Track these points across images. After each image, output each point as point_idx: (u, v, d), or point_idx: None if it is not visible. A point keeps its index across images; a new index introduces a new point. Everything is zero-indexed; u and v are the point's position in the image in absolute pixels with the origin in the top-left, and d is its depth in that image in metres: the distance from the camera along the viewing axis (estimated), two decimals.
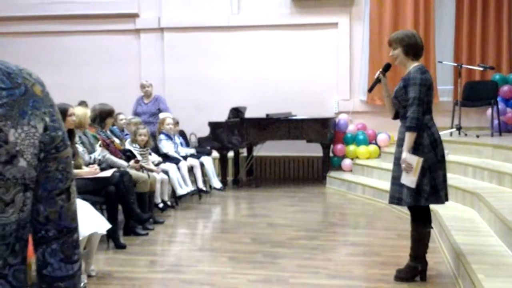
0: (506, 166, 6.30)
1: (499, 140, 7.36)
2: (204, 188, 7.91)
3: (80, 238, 4.18)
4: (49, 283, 1.28)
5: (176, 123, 8.12)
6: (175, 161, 7.49)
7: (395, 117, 4.41)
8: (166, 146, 7.69)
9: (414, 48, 4.20)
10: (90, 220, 4.42)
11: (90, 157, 5.73)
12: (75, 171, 5.06)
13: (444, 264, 4.69)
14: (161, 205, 6.95)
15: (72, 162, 4.24)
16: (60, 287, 1.28)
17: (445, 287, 4.18)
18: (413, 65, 4.21)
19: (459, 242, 4.57)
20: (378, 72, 4.38)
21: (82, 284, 4.19)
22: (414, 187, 4.08)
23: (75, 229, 1.31)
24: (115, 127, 7.32)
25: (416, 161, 4.04)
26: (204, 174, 8.04)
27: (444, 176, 4.21)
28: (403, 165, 4.09)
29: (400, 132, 4.28)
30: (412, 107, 4.07)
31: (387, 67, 4.41)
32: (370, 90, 4.66)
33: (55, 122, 1.24)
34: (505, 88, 8.50)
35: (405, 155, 4.08)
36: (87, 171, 5.41)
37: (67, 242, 1.28)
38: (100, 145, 5.96)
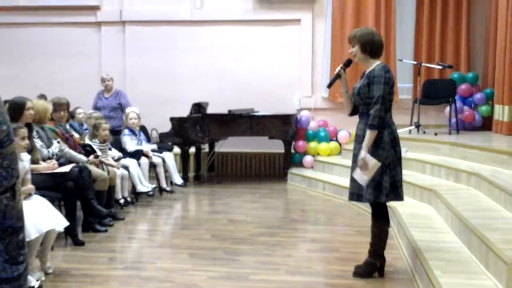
0: (462, 163, 6.43)
1: (457, 138, 7.50)
2: (167, 188, 7.81)
3: (37, 235, 4.11)
4: None
5: (138, 118, 8.02)
6: (137, 156, 7.39)
7: (352, 113, 4.44)
8: (127, 142, 7.58)
9: (370, 46, 4.22)
10: (48, 217, 4.34)
11: (49, 151, 5.62)
12: (33, 166, 4.96)
13: (401, 260, 4.77)
14: (122, 201, 6.87)
15: (29, 156, 4.12)
16: None
17: (402, 283, 4.25)
18: (375, 63, 4.23)
19: (416, 239, 4.65)
20: (339, 68, 4.39)
21: (38, 282, 4.11)
22: (364, 185, 4.13)
23: (20, 229, 1.23)
24: (73, 121, 7.19)
25: (373, 164, 4.07)
26: (165, 170, 7.97)
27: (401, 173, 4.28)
28: (359, 163, 4.12)
29: (359, 129, 4.29)
30: (377, 105, 4.08)
31: (348, 63, 4.41)
32: (329, 85, 4.69)
33: None
34: (463, 86, 8.66)
35: (364, 154, 4.10)
36: (45, 166, 5.31)
37: (12, 242, 1.20)
38: (58, 142, 5.84)
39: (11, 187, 1.20)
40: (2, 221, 1.19)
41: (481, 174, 5.58)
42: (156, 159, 7.71)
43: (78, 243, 5.30)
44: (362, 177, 4.13)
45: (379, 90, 4.09)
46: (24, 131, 4.44)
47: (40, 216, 4.24)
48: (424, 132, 8.01)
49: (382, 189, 4.15)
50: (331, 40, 9.38)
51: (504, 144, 6.69)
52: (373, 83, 4.13)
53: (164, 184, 7.76)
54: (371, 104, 4.12)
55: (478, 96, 8.60)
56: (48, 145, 5.68)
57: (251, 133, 8.74)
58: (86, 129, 7.30)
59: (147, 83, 9.75)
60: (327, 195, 7.75)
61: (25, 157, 4.52)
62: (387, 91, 4.12)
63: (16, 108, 5.04)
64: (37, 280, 4.10)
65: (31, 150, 5.04)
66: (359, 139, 4.26)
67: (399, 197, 4.25)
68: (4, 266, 1.20)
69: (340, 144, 9.00)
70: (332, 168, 8.34)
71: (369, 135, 4.11)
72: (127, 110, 7.99)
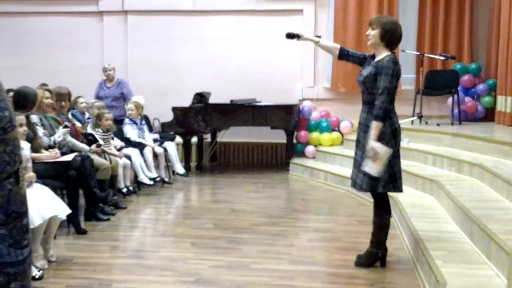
0: (464, 154, 6.42)
1: (459, 129, 7.50)
2: (166, 179, 7.79)
3: (41, 222, 4.12)
4: None
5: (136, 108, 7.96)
6: (140, 146, 7.39)
7: (340, 57, 4.47)
8: (128, 131, 7.59)
9: (391, 36, 4.17)
10: (50, 204, 4.35)
11: (50, 139, 5.61)
12: (35, 155, 4.96)
13: (403, 250, 4.78)
14: (124, 190, 6.87)
15: (29, 145, 4.12)
16: (10, 273, 1.21)
17: (404, 273, 4.26)
18: (385, 53, 4.18)
19: (418, 229, 4.65)
20: (315, 37, 4.56)
21: (40, 272, 4.11)
22: (377, 175, 4.06)
23: (24, 214, 1.23)
24: (75, 110, 7.19)
25: (384, 152, 3.99)
26: (167, 159, 7.97)
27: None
28: (370, 153, 4.02)
29: (362, 117, 4.27)
30: (382, 96, 4.05)
31: (290, 36, 4.51)
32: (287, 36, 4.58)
33: (1, 102, 1.16)
34: (465, 77, 8.64)
35: (373, 143, 4.00)
36: (47, 155, 5.31)
37: (16, 227, 1.21)
38: (64, 126, 5.82)
39: (15, 172, 1.20)
40: (6, 206, 1.19)
41: (484, 165, 5.58)
42: (158, 149, 7.70)
43: (80, 231, 5.31)
44: (374, 168, 4.01)
45: (387, 82, 4.06)
46: (21, 118, 4.44)
47: (43, 203, 4.25)
48: (427, 123, 8.00)
49: (379, 179, 4.14)
50: (333, 30, 9.35)
51: (507, 135, 6.68)
52: (381, 73, 4.08)
53: (163, 175, 7.75)
54: (376, 95, 4.10)
55: (480, 87, 8.58)
56: (51, 134, 5.68)
57: (253, 123, 8.74)
58: (88, 118, 7.30)
59: (149, 72, 9.73)
60: (329, 185, 7.76)
61: (25, 145, 4.52)
62: (394, 83, 4.11)
63: (31, 98, 5.07)
64: (39, 271, 4.10)
65: (32, 138, 5.04)
66: (362, 127, 4.24)
67: (398, 188, 4.23)
68: (9, 250, 1.20)
69: (342, 134, 9.00)
70: (334, 158, 8.34)
71: (376, 126, 4.05)
72: (132, 99, 8.03)
